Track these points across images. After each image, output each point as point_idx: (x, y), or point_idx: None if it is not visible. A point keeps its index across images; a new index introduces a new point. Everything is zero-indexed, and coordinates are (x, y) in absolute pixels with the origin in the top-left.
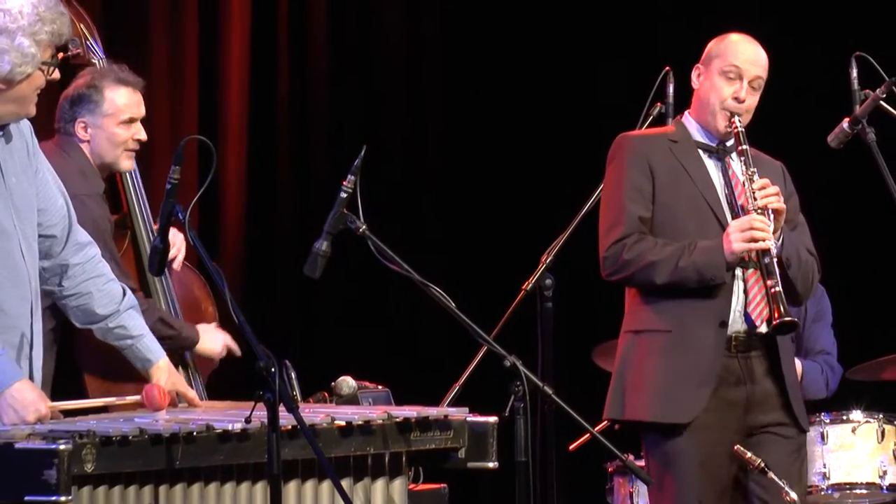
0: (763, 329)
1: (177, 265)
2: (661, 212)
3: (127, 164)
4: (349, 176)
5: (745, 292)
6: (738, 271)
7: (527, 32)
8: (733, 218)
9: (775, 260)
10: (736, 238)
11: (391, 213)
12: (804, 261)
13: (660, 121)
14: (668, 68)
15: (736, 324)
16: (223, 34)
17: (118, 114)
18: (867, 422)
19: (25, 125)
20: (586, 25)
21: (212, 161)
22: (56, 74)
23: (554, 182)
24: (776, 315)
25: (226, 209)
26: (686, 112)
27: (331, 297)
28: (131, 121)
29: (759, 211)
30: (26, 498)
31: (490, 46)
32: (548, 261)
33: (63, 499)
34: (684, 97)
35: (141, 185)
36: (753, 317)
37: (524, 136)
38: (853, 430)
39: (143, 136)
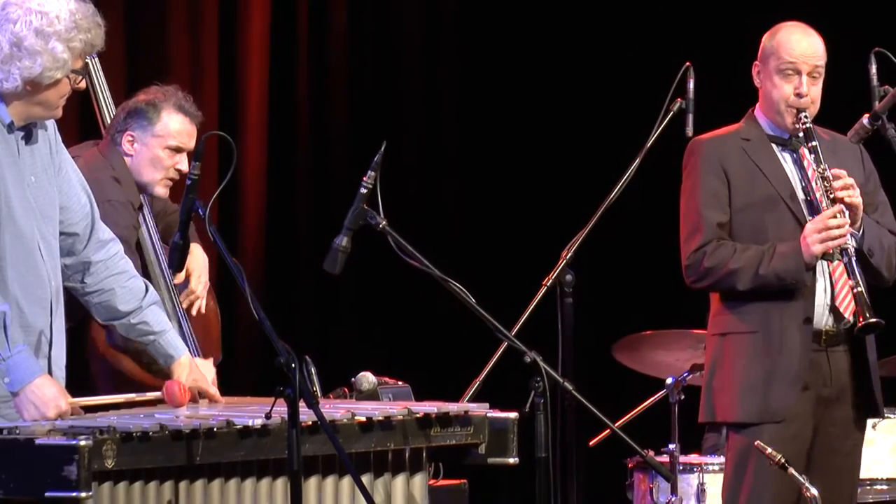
0: (850, 320)
1: (195, 310)
2: (739, 215)
3: (161, 191)
4: (369, 172)
5: (832, 286)
6: (823, 265)
7: (546, 25)
8: (810, 212)
9: (854, 259)
10: (813, 240)
11: (411, 208)
12: (887, 247)
13: (680, 117)
14: (688, 64)
15: (824, 318)
16: (242, 30)
17: (167, 138)
18: (888, 417)
19: (49, 122)
20: (607, 19)
21: (232, 157)
22: (82, 84)
23: (574, 177)
24: (860, 318)
25: (245, 205)
26: (757, 106)
27: (351, 292)
28: (178, 149)
29: (833, 204)
30: (47, 494)
31: (509, 41)
32: (568, 256)
33: (83, 494)
34: (704, 93)
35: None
36: (841, 309)
37: (544, 131)
38: (874, 426)
39: (184, 167)
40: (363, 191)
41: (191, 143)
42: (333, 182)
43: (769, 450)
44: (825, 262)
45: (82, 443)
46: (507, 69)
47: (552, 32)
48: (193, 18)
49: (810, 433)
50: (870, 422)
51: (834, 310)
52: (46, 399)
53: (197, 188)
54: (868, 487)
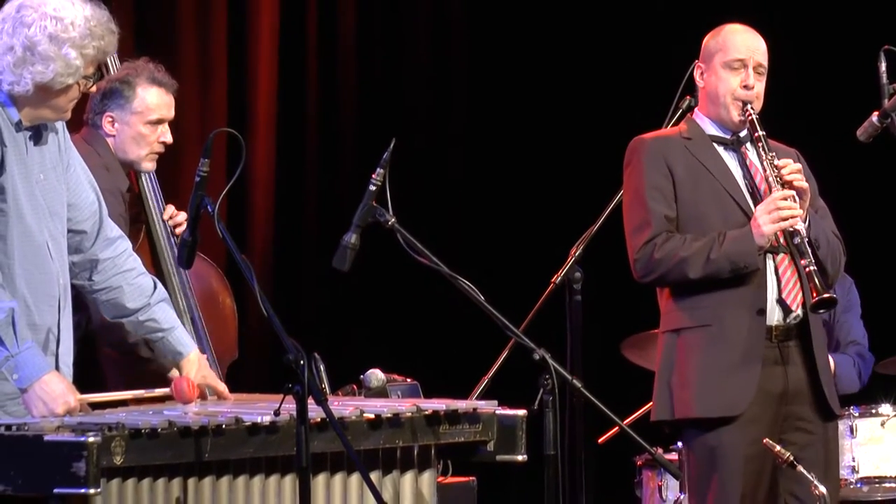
0: (798, 313)
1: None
2: (685, 209)
3: (148, 165)
4: (378, 169)
5: (778, 279)
6: (769, 260)
7: (554, 24)
8: (756, 205)
9: (805, 240)
10: (764, 220)
11: (420, 206)
12: (830, 241)
13: (689, 114)
14: (697, 62)
15: (774, 312)
16: (252, 28)
17: (147, 113)
18: None
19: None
20: (616, 15)
21: (241, 154)
22: (93, 88)
23: (583, 175)
24: (814, 293)
25: (254, 202)
26: (695, 110)
27: (359, 289)
28: (159, 121)
29: (784, 187)
30: (55, 490)
31: (516, 39)
32: (577, 254)
33: (92, 491)
34: None
35: (155, 180)
36: (788, 301)
37: (553, 128)
38: (882, 424)
39: (168, 138)
40: (372, 188)
41: (170, 113)
42: (342, 179)
43: (777, 448)
44: (770, 256)
45: (91, 439)
46: (514, 67)
47: (560, 31)
48: (202, 16)
49: (771, 436)
50: (879, 419)
51: (782, 302)
52: (55, 395)
53: (206, 185)
54: (877, 485)
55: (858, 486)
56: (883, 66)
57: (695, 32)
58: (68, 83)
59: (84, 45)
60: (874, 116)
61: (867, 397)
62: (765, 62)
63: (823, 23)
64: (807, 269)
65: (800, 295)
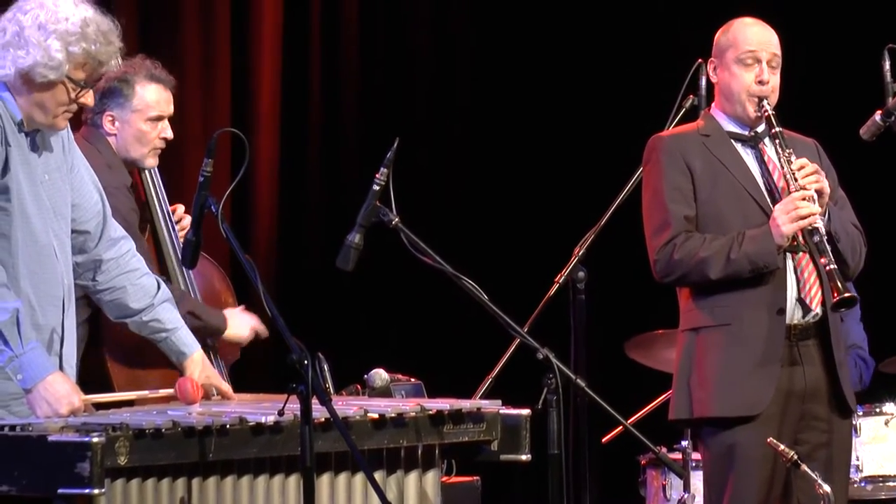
0: (818, 311)
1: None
2: (704, 207)
3: (151, 162)
4: (382, 168)
5: (798, 279)
6: (789, 259)
7: (558, 21)
8: (775, 203)
9: (825, 237)
10: (783, 220)
11: (423, 205)
12: (850, 233)
13: (692, 113)
14: (700, 60)
15: (793, 312)
16: (255, 26)
17: (146, 110)
18: None
19: None
20: (620, 14)
21: (244, 154)
22: (88, 99)
23: (587, 174)
24: (835, 293)
25: (258, 202)
26: (712, 105)
27: (363, 289)
28: (159, 118)
29: (801, 189)
30: (59, 490)
31: (521, 38)
32: (580, 253)
33: (96, 491)
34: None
35: (159, 176)
36: (808, 301)
37: (556, 127)
38: (886, 423)
39: (169, 134)
40: (376, 188)
41: (170, 109)
42: (346, 179)
43: (782, 447)
44: (790, 255)
45: (95, 440)
46: (518, 65)
47: (564, 28)
48: (206, 15)
49: (787, 435)
50: (882, 418)
51: (801, 301)
52: (59, 396)
53: (209, 185)
54: (880, 484)
55: (862, 485)
56: (887, 65)
57: (700, 30)
58: (49, 77)
59: (70, 42)
60: (877, 115)
61: (871, 396)
62: (778, 54)
63: (826, 22)
64: (827, 268)
65: (819, 294)
